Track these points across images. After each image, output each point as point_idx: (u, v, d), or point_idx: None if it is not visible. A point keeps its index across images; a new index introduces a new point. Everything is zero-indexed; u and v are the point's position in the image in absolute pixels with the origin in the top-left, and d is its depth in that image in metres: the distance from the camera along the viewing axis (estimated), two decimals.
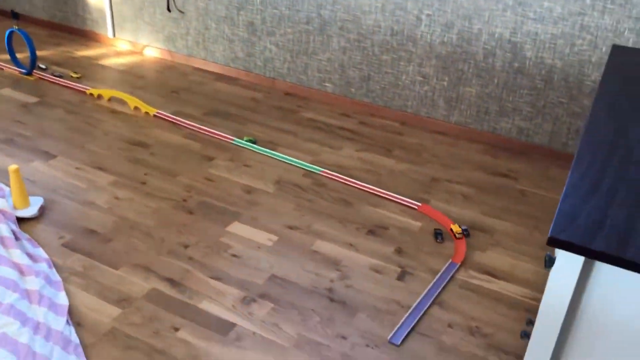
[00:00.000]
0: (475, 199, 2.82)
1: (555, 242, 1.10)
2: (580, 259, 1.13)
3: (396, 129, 3.43)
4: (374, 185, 2.86)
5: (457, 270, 2.34)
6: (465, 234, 2.53)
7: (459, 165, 3.10)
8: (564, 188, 1.28)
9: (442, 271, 2.32)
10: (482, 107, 3.28)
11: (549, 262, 1.40)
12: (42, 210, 2.52)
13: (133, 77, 3.87)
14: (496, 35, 3.08)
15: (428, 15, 3.20)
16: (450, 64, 3.25)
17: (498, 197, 2.84)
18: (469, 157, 3.18)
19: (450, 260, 2.37)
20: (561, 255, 1.14)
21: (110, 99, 3.52)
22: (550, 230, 1.14)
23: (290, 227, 2.53)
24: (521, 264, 2.39)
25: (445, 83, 3.31)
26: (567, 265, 1.14)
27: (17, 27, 3.60)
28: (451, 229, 2.53)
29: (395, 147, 3.24)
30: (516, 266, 2.38)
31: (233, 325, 2.01)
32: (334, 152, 3.16)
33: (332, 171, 2.95)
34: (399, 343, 1.98)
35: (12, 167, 2.44)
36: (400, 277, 2.28)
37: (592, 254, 1.10)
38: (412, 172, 3.02)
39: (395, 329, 2.04)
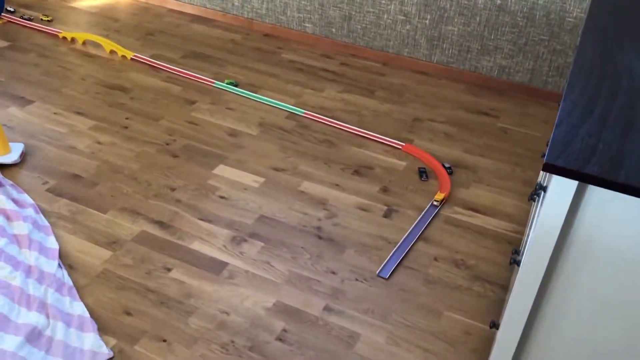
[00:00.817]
0: (457, 137, 2.85)
1: (551, 168, 1.13)
2: (574, 184, 1.16)
3: (378, 70, 3.41)
4: (357, 126, 2.86)
5: (442, 206, 2.39)
6: (449, 171, 2.57)
7: (441, 104, 3.11)
8: (557, 115, 1.30)
9: (426, 208, 2.36)
10: (464, 46, 3.27)
11: (538, 190, 1.44)
12: (24, 156, 2.48)
13: (107, 20, 3.74)
14: None
15: None
16: (432, 2, 3.22)
17: (480, 135, 2.87)
18: (451, 96, 3.19)
19: (434, 200, 2.42)
20: (555, 180, 1.17)
21: (84, 43, 3.41)
22: (545, 156, 1.17)
23: (276, 169, 2.54)
24: (503, 199, 2.46)
25: (427, 22, 3.28)
26: (561, 190, 1.18)
27: None
28: (444, 165, 2.56)
29: (378, 87, 3.23)
30: (498, 201, 2.44)
31: (225, 264, 2.04)
32: (316, 93, 3.14)
33: (315, 113, 2.94)
34: (387, 276, 2.04)
35: None
36: (387, 214, 2.33)
37: (587, 179, 1.13)
38: (395, 112, 3.03)
39: (383, 263, 2.09)
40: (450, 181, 2.52)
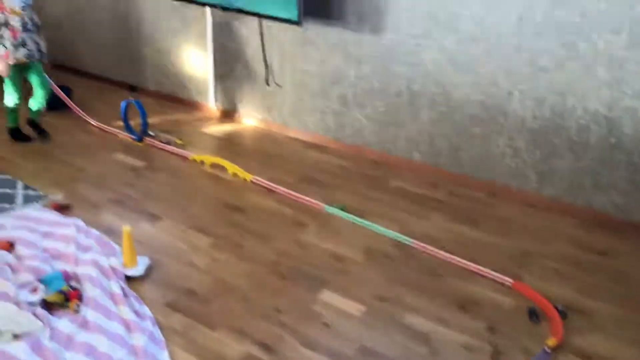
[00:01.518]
0: (570, 276, 2.73)
1: None
2: None
3: (486, 200, 3.42)
4: (463, 258, 2.84)
5: (554, 353, 2.26)
6: (562, 314, 2.45)
7: (552, 239, 3.03)
8: None
9: (537, 354, 2.25)
10: (575, 181, 3.21)
11: None
12: (148, 269, 2.71)
13: (232, 145, 4.12)
14: (591, 111, 3.05)
15: (520, 90, 3.23)
16: (542, 138, 3.24)
17: (595, 276, 2.74)
18: (562, 231, 3.10)
19: (542, 348, 2.30)
20: None
21: (211, 165, 3.76)
22: None
23: (380, 298, 2.56)
24: (624, 350, 2.28)
25: (536, 156, 3.29)
26: None
27: (133, 99, 3.97)
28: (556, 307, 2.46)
29: (485, 218, 3.22)
30: (619, 353, 2.27)
31: None
32: (423, 222, 3.18)
33: (421, 242, 2.97)
34: None
35: (126, 228, 2.66)
36: (494, 356, 2.24)
37: None
38: (503, 245, 2.98)
39: None
40: (564, 325, 2.40)
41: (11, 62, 3.62)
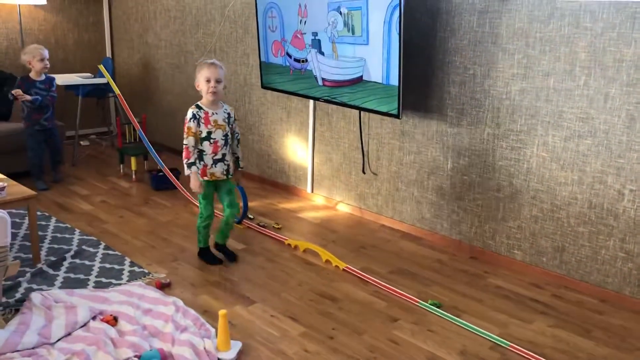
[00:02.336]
0: None
1: None
2: None
3: (595, 307, 3.17)
4: None
5: None
6: None
7: None
8: None
9: None
10: None
11: None
12: (239, 354, 2.72)
13: (326, 231, 4.17)
14: None
15: (631, 190, 3.06)
16: None
17: None
18: None
19: None
20: None
21: (305, 250, 3.80)
22: None
23: None
24: None
25: None
26: None
27: (236, 184, 4.17)
28: None
29: (595, 327, 2.98)
30: None
31: None
32: (524, 325, 2.99)
33: (522, 347, 2.79)
34: None
35: (222, 311, 2.71)
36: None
37: None
38: (615, 358, 2.72)
39: None
40: None
41: (207, 178, 3.40)
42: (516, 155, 3.47)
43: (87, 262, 3.54)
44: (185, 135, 3.32)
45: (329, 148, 4.53)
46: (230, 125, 3.42)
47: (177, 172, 4.88)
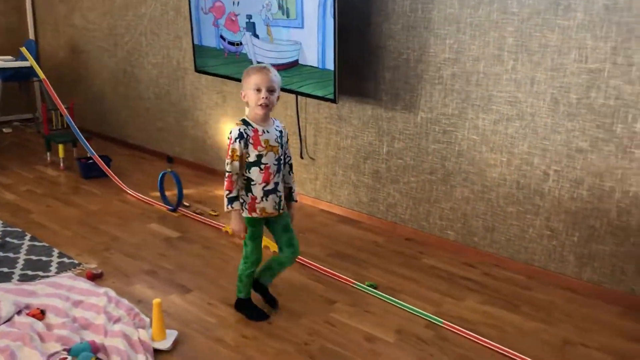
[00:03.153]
0: None
1: None
2: None
3: (523, 283, 3.31)
4: (500, 343, 2.72)
5: None
6: None
7: (595, 328, 2.89)
8: None
9: None
10: (617, 266, 3.10)
11: None
12: (175, 343, 2.67)
13: None
14: (631, 194, 2.99)
15: (556, 170, 3.20)
16: (580, 220, 3.17)
17: None
18: (606, 319, 2.97)
19: None
20: None
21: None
22: None
23: None
24: None
25: (575, 239, 3.21)
26: None
27: (170, 170, 4.07)
28: None
29: (523, 302, 3.11)
30: None
31: None
32: (457, 303, 3.09)
33: (455, 324, 2.87)
34: None
35: (156, 300, 2.64)
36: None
37: None
38: (542, 332, 2.86)
39: None
40: None
41: (257, 214, 2.66)
42: (448, 138, 3.56)
43: (11, 255, 3.37)
44: (228, 160, 2.57)
45: None
46: (282, 147, 2.68)
47: (108, 159, 4.72)
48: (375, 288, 3.19)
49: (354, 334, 2.78)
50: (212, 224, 3.93)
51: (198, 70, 4.51)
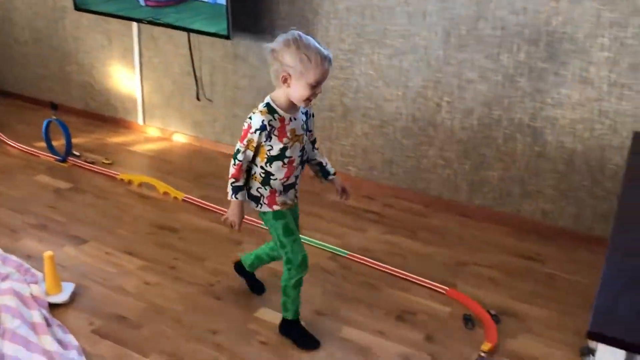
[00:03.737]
0: (503, 283, 2.79)
1: (596, 336, 1.10)
2: (622, 353, 1.12)
3: (421, 212, 3.46)
4: (400, 269, 2.85)
5: (489, 357, 2.29)
6: (495, 319, 2.49)
7: (485, 248, 3.09)
8: (600, 279, 1.28)
9: (473, 359, 2.27)
10: (504, 190, 3.31)
11: (586, 351, 1.38)
12: (73, 295, 2.55)
13: (162, 163, 3.99)
14: (516, 121, 3.16)
15: (448, 102, 3.31)
16: (471, 148, 3.33)
17: (526, 281, 2.81)
18: (495, 240, 3.18)
19: (480, 350, 2.33)
20: (602, 348, 1.13)
21: (140, 184, 3.62)
22: (589, 325, 1.14)
23: (318, 313, 2.52)
24: (554, 351, 2.34)
25: (466, 167, 3.37)
26: (609, 358, 1.13)
27: (55, 117, 3.78)
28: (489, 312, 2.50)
29: (421, 229, 3.26)
30: (549, 354, 2.32)
31: None
32: (359, 235, 3.18)
33: (358, 254, 2.96)
34: None
35: (47, 253, 2.50)
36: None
37: (633, 348, 1.09)
38: (439, 255, 3.02)
39: None
40: (498, 330, 2.43)
41: (279, 207, 2.29)
42: (345, 74, 3.56)
43: None
44: (241, 147, 2.15)
45: (158, 75, 4.27)
46: (308, 132, 2.27)
47: None
48: None
49: (260, 272, 2.80)
50: (106, 173, 3.74)
51: (78, 8, 4.15)
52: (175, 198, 3.49)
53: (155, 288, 2.64)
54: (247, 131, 2.12)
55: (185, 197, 3.47)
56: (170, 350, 2.27)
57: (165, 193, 3.53)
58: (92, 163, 3.86)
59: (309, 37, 2.06)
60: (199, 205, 3.41)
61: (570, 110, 3.02)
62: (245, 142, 2.13)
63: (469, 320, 2.48)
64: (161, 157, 4.08)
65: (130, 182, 3.64)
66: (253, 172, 2.23)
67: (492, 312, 2.53)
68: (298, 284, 2.30)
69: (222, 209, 3.36)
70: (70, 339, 2.29)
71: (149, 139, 4.36)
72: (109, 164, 3.89)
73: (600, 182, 3.05)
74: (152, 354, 2.24)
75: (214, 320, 2.44)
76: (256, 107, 2.16)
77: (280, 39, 2.05)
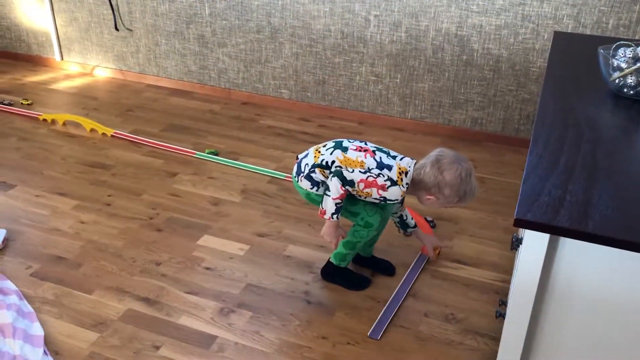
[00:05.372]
0: None
1: (521, 223, 1.16)
2: (546, 237, 1.20)
3: (355, 129, 3.49)
4: None
5: (427, 260, 2.40)
6: (432, 224, 2.60)
7: (419, 158, 3.17)
8: (524, 170, 1.35)
9: (413, 263, 2.38)
10: (435, 101, 3.37)
11: (516, 243, 1.47)
12: (6, 241, 2.47)
13: (86, 99, 3.81)
14: (443, 31, 3.17)
15: (376, 15, 3.27)
16: (401, 62, 3.33)
17: None
18: (428, 150, 3.22)
19: (420, 252, 2.43)
20: (528, 234, 1.20)
21: (64, 123, 3.46)
22: (515, 212, 1.20)
23: (261, 235, 2.55)
24: (487, 249, 2.48)
25: (397, 81, 3.39)
26: (534, 243, 1.20)
27: None
28: (425, 219, 2.60)
29: None
30: (483, 251, 2.46)
31: (214, 337, 2.02)
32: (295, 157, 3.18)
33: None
34: (378, 337, 2.02)
35: None
36: (373, 272, 2.33)
37: (556, 231, 1.17)
38: None
39: (374, 324, 2.08)
40: (434, 234, 2.54)
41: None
42: None
43: None
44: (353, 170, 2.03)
45: (71, 6, 3.99)
46: None
47: None
48: (216, 155, 3.16)
49: (200, 201, 2.78)
50: (27, 114, 3.54)
51: None
52: (104, 134, 3.36)
53: (91, 226, 2.59)
54: (374, 183, 2.01)
55: (114, 133, 3.35)
56: (115, 285, 2.25)
57: (93, 130, 3.40)
58: (10, 104, 3.64)
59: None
60: (129, 140, 3.30)
61: (495, 16, 3.05)
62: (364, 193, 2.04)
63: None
64: (84, 94, 3.88)
65: (54, 122, 3.47)
66: None
67: (428, 218, 2.64)
68: (371, 242, 2.31)
69: (154, 142, 3.27)
70: (9, 284, 2.23)
71: (69, 75, 4.13)
72: (28, 104, 3.68)
73: (525, 85, 3.15)
74: (96, 290, 2.23)
75: (156, 253, 2.43)
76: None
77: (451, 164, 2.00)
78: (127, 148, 3.24)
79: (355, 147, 2.09)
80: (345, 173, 2.00)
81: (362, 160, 2.04)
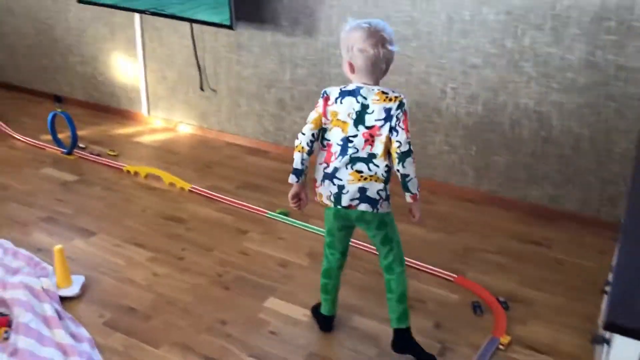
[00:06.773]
0: (511, 268, 2.80)
1: (612, 327, 1.10)
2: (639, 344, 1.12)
3: (426, 198, 3.46)
4: (408, 257, 2.85)
5: (499, 345, 2.30)
6: (504, 306, 2.50)
7: (492, 233, 3.09)
8: (615, 268, 1.28)
9: (483, 346, 2.28)
10: (511, 175, 3.30)
11: (597, 339, 1.39)
12: (84, 288, 2.57)
13: (168, 154, 4.00)
14: (521, 106, 3.14)
15: (452, 88, 3.29)
16: (477, 134, 3.31)
17: (534, 266, 2.81)
18: (501, 225, 3.18)
19: (491, 335, 2.34)
20: (618, 339, 1.13)
21: (146, 176, 3.63)
22: (606, 315, 1.14)
23: None
24: (563, 337, 2.35)
25: (472, 152, 3.36)
26: (625, 349, 1.13)
27: (59, 110, 3.78)
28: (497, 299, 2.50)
29: (426, 216, 3.25)
30: (559, 340, 2.33)
31: None
32: None
33: (366, 243, 2.97)
34: None
35: (57, 247, 2.51)
36: (441, 353, 2.25)
37: None
38: (445, 241, 3.02)
39: None
40: (507, 317, 2.44)
41: (318, 199, 2.22)
42: None
43: None
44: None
45: (162, 66, 4.26)
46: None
47: None
48: (286, 215, 3.21)
49: (268, 261, 2.81)
50: (112, 165, 3.75)
51: (81, 1, 4.14)
52: (182, 189, 3.50)
53: (164, 279, 2.66)
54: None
55: (192, 188, 3.48)
56: (181, 341, 2.29)
57: (172, 184, 3.54)
58: (98, 155, 3.87)
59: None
60: (205, 196, 3.42)
61: (577, 95, 3.00)
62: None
63: (477, 307, 2.49)
64: (166, 148, 4.08)
65: (136, 174, 3.65)
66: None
67: (501, 298, 2.54)
68: (322, 286, 2.33)
69: (228, 198, 3.37)
70: (82, 331, 2.31)
71: (154, 129, 4.37)
72: (114, 155, 3.90)
73: (606, 165, 3.04)
74: (164, 345, 2.27)
75: (223, 311, 2.46)
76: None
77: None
78: (202, 203, 3.34)
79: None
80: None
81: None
